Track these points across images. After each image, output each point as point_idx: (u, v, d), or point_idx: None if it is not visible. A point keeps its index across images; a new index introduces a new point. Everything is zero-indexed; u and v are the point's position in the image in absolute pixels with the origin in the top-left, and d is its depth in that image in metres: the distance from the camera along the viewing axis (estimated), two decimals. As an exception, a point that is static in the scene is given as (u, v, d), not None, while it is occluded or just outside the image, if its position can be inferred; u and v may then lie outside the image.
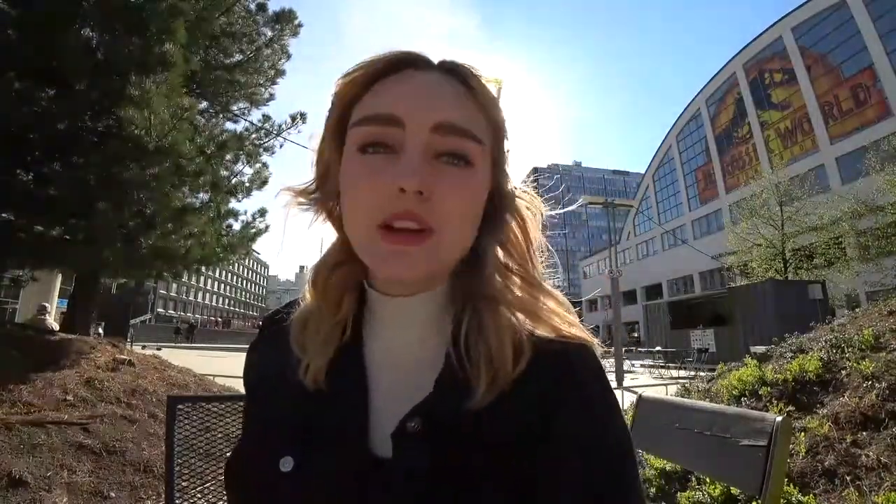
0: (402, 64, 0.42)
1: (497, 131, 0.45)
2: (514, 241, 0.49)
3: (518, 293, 0.46)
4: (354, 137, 0.41)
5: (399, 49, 0.43)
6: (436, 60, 0.44)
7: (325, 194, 0.48)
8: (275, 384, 0.49)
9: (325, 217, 0.49)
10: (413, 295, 0.46)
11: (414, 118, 0.39)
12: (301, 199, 0.49)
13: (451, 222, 0.40)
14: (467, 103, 0.42)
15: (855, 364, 2.93)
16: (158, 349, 12.54)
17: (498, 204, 0.46)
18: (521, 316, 0.45)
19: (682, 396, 3.83)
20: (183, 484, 1.42)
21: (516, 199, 0.49)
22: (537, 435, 0.41)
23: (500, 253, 0.47)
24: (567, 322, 0.46)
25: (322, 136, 0.47)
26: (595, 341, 0.47)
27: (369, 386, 0.45)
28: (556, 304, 0.47)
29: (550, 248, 0.52)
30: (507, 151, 0.48)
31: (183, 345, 24.34)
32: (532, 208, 0.50)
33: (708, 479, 2.28)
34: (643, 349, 20.48)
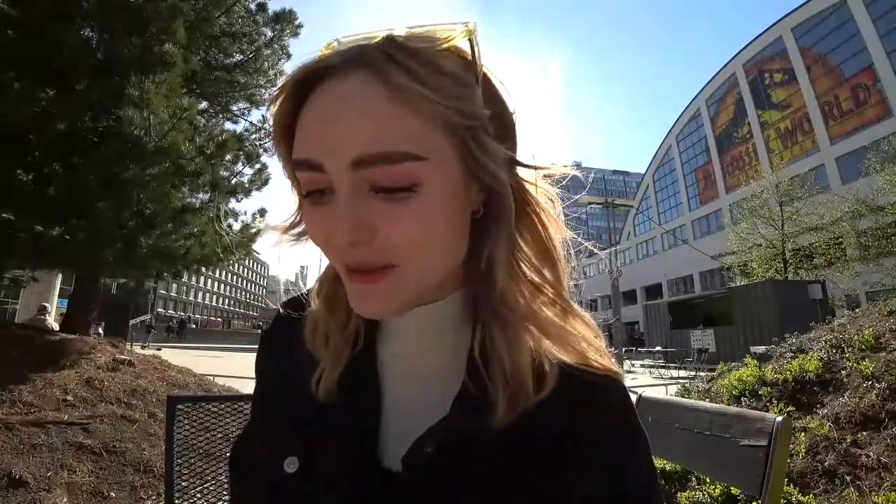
0: (315, 78, 0.35)
1: (452, 123, 0.35)
2: (533, 244, 0.42)
3: (544, 312, 0.41)
4: (299, 179, 0.38)
5: (310, 60, 0.36)
6: (359, 51, 0.35)
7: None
8: (286, 378, 0.47)
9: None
10: (421, 305, 0.42)
11: (330, 159, 0.34)
12: (288, 236, 0.45)
13: (408, 254, 0.35)
14: (389, 113, 0.33)
15: (855, 364, 2.93)
16: (159, 349, 12.53)
17: (491, 197, 0.39)
18: (545, 340, 0.41)
19: (682, 396, 3.83)
20: (183, 484, 1.42)
21: (523, 182, 0.41)
22: (556, 469, 0.39)
23: (524, 265, 0.41)
24: (595, 349, 0.43)
25: (282, 168, 0.42)
26: (622, 374, 0.44)
27: (382, 395, 0.44)
28: (583, 326, 0.43)
29: (576, 242, 0.44)
30: (513, 113, 0.41)
31: (183, 345, 24.35)
32: (548, 194, 0.43)
33: (708, 479, 2.28)
34: (643, 349, 20.46)
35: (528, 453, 0.39)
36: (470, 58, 0.37)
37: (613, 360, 0.44)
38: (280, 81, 0.39)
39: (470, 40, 0.37)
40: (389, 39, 0.35)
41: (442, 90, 0.34)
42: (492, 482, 0.38)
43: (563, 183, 0.45)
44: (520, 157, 0.41)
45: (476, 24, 0.37)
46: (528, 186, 0.42)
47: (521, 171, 0.41)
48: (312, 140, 0.35)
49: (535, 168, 0.42)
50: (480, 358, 0.39)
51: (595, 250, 0.46)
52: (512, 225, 0.39)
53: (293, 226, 0.45)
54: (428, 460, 0.38)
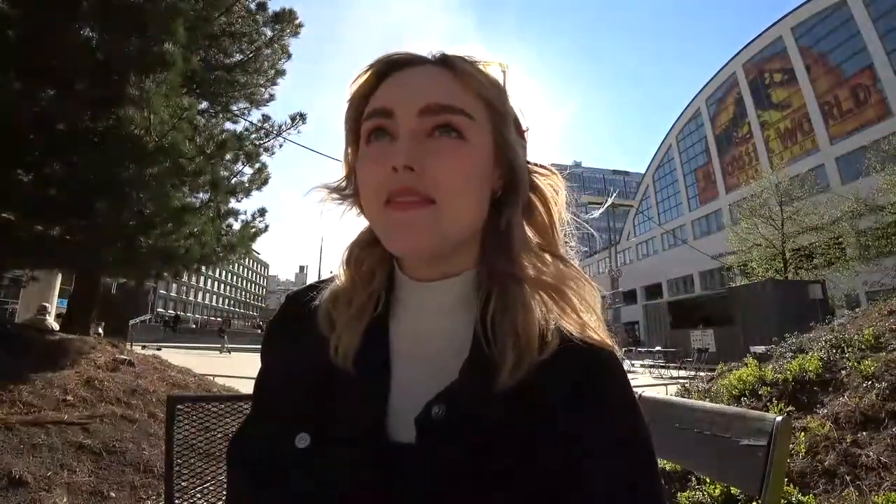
0: (399, 64, 0.46)
1: (492, 108, 0.46)
2: (540, 218, 0.50)
3: (547, 271, 0.47)
4: (363, 133, 0.46)
5: (395, 51, 0.47)
6: (430, 55, 0.47)
7: (353, 189, 0.51)
8: (294, 361, 0.49)
9: (357, 209, 0.52)
10: (438, 280, 0.48)
11: (401, 106, 0.43)
12: (334, 195, 0.52)
13: (448, 192, 0.42)
14: (453, 85, 0.44)
15: (855, 364, 2.93)
16: (158, 349, 12.53)
17: (512, 179, 0.48)
18: (548, 303, 0.45)
19: (682, 396, 3.83)
20: (183, 484, 1.42)
21: (533, 174, 0.51)
22: (561, 429, 0.41)
23: (529, 231, 0.50)
24: (596, 318, 0.47)
25: (345, 138, 0.51)
26: (616, 348, 0.48)
27: (392, 370, 0.46)
28: (580, 285, 0.48)
29: (582, 223, 0.53)
30: (526, 130, 0.51)
31: (183, 345, 24.33)
32: (554, 185, 0.52)
33: (708, 479, 2.28)
34: (643, 349, 20.45)
35: (533, 413, 0.41)
36: (502, 84, 0.47)
37: (610, 334, 0.49)
38: (365, 65, 0.48)
39: (503, 72, 0.48)
40: (443, 53, 0.47)
41: (487, 82, 0.46)
42: (499, 442, 0.40)
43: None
44: (532, 151, 0.52)
45: (507, 64, 0.49)
46: (535, 178, 0.51)
47: (532, 161, 0.52)
48: (388, 96, 0.45)
49: (543, 167, 0.53)
50: (489, 325, 0.43)
51: (592, 230, 0.55)
52: (526, 199, 0.49)
53: (340, 188, 0.52)
54: (437, 421, 0.41)
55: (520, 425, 0.41)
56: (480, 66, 0.46)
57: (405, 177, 0.41)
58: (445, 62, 0.45)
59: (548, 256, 0.49)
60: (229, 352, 20.98)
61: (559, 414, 0.41)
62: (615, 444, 0.41)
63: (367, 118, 0.45)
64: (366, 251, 0.51)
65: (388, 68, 0.46)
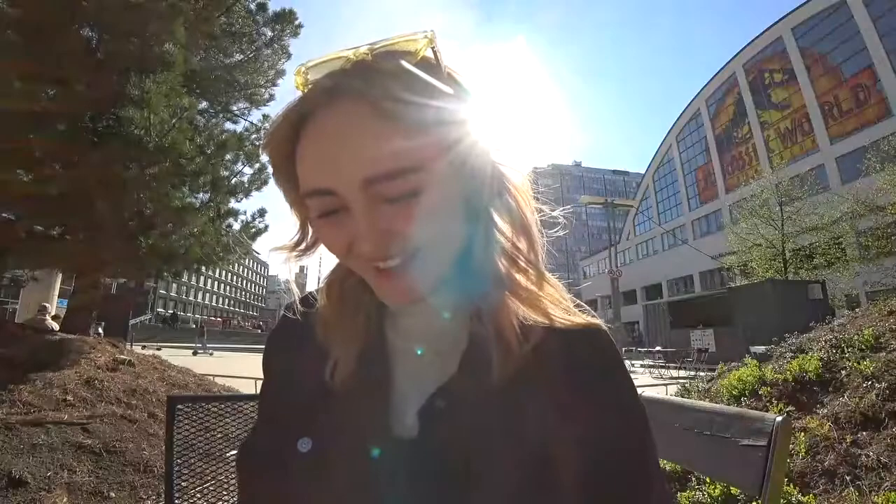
0: (310, 108, 0.39)
1: (437, 130, 0.39)
2: (509, 220, 0.45)
3: (519, 279, 0.46)
4: (310, 208, 0.41)
5: (299, 95, 0.41)
6: (343, 75, 0.39)
7: (312, 240, 0.49)
8: (296, 369, 0.50)
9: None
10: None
11: (341, 185, 0.38)
12: (296, 253, 0.49)
13: (425, 243, 0.40)
14: (386, 133, 0.37)
15: (855, 364, 2.93)
16: (158, 349, 12.53)
17: (478, 190, 0.44)
18: (524, 298, 0.46)
19: (682, 396, 3.83)
20: (183, 484, 1.42)
21: (501, 169, 0.45)
22: (557, 413, 0.42)
23: (503, 239, 0.45)
24: (563, 308, 0.48)
25: (283, 194, 0.46)
26: (601, 322, 0.49)
27: (392, 372, 0.47)
28: (552, 289, 0.49)
29: (555, 224, 0.49)
30: (483, 109, 0.44)
31: (183, 344, 24.31)
32: (522, 178, 0.47)
33: (708, 479, 2.28)
34: (643, 349, 20.46)
35: (533, 404, 0.43)
36: (434, 62, 0.41)
37: (586, 311, 0.49)
38: (269, 125, 0.42)
39: (432, 48, 0.41)
40: (362, 64, 0.39)
41: (422, 106, 0.38)
42: (498, 428, 0.42)
43: (564, 184, 0.48)
44: (495, 143, 0.45)
45: (434, 31, 0.41)
46: (503, 169, 0.45)
47: (496, 155, 0.45)
48: (319, 171, 0.39)
49: (509, 154, 0.46)
50: (479, 324, 0.44)
51: (562, 217, 0.50)
52: (492, 204, 0.45)
53: (298, 244, 0.49)
54: (440, 412, 0.42)
55: (516, 414, 0.42)
56: (403, 73, 0.38)
57: (380, 251, 0.39)
58: (361, 94, 0.37)
59: (518, 253, 0.46)
60: (200, 352, 20.07)
61: (552, 401, 0.43)
62: (602, 414, 0.43)
63: (307, 196, 0.40)
64: (347, 283, 0.50)
65: (301, 117, 0.39)
